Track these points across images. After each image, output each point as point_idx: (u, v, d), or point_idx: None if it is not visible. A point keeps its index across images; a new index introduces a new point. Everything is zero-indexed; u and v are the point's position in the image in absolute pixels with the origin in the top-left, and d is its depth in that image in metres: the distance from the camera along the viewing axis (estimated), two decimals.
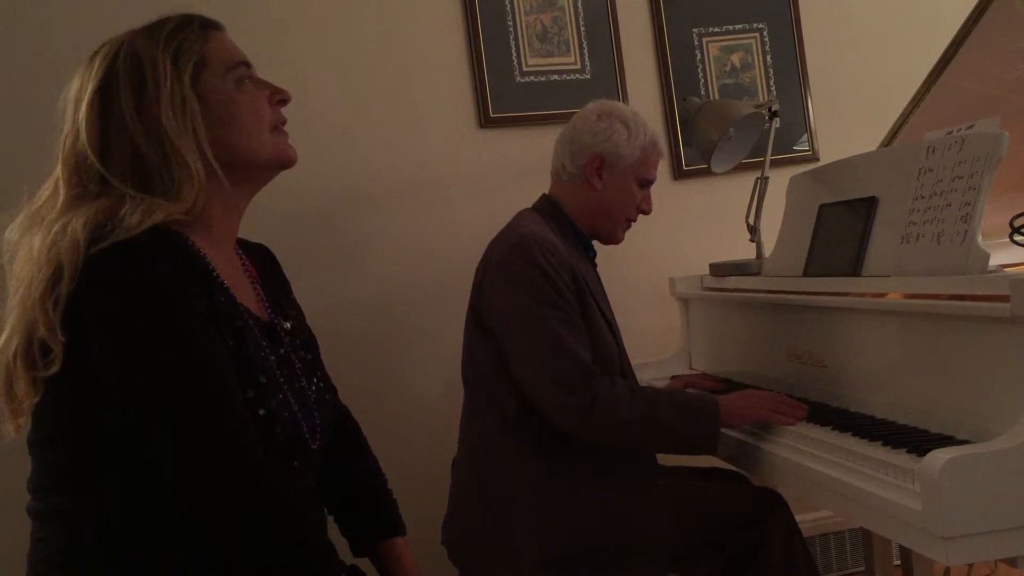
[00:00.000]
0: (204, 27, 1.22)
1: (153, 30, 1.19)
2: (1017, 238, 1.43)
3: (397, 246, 2.39)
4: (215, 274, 1.16)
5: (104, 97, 1.15)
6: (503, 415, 1.67)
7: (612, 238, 1.91)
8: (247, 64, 1.23)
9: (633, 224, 1.93)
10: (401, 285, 2.39)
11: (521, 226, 1.75)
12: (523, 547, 1.58)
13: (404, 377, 2.38)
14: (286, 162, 1.25)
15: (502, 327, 1.66)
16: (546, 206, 1.86)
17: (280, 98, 1.25)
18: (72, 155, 1.15)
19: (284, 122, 1.26)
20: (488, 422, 1.70)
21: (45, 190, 1.17)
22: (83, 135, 1.14)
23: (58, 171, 1.16)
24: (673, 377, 2.19)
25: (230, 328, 1.14)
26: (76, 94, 1.17)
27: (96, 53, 1.20)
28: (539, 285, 1.62)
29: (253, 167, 1.22)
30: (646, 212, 1.92)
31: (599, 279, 1.88)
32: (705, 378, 2.08)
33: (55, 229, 1.08)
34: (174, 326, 1.07)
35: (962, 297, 1.32)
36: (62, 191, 1.14)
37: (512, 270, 1.65)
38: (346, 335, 2.28)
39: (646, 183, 1.89)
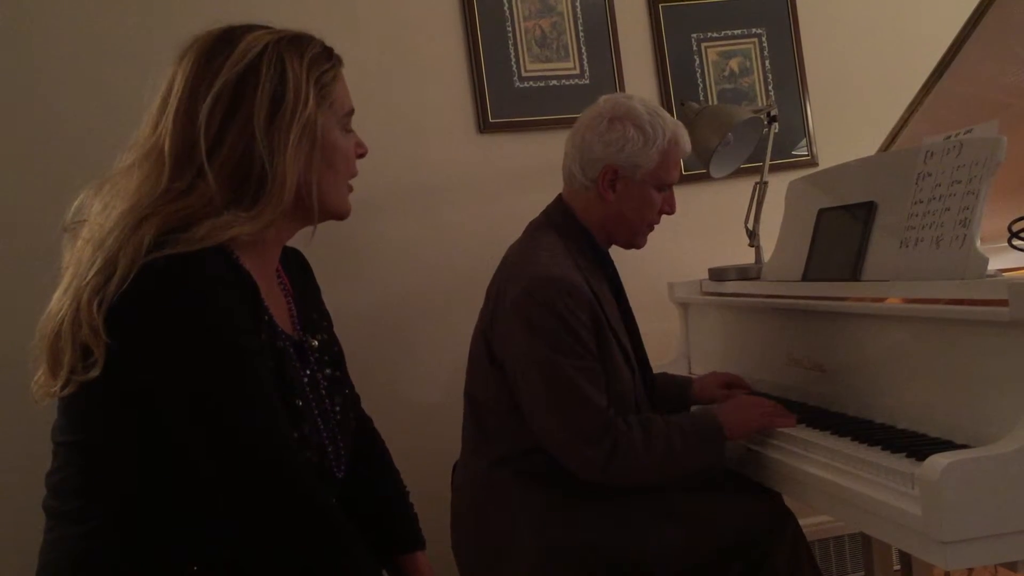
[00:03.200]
0: (338, 64, 1.24)
1: (299, 46, 1.19)
2: (1016, 242, 1.43)
3: (395, 251, 2.39)
4: (260, 295, 1.17)
5: (238, 92, 1.13)
6: (509, 450, 1.63)
7: (632, 245, 1.81)
8: (352, 112, 1.26)
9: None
10: (399, 290, 2.39)
11: (536, 259, 1.64)
12: None
13: (402, 382, 2.38)
14: (345, 215, 1.27)
15: (516, 370, 1.60)
16: (559, 218, 1.75)
17: (361, 152, 1.28)
18: (182, 136, 1.12)
19: (355, 175, 1.28)
20: (493, 453, 1.66)
21: (138, 149, 1.14)
22: (202, 120, 1.11)
23: (164, 143, 1.12)
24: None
25: (272, 349, 1.16)
26: (199, 72, 1.14)
27: (227, 39, 1.17)
28: (556, 332, 1.55)
29: (322, 210, 1.23)
30: (670, 213, 1.80)
31: (619, 291, 1.80)
32: (718, 376, 1.96)
33: (131, 220, 1.07)
34: (227, 343, 1.07)
35: (961, 301, 1.32)
36: (166, 172, 1.11)
37: (528, 315, 1.57)
38: (343, 340, 2.27)
39: (667, 186, 1.77)
